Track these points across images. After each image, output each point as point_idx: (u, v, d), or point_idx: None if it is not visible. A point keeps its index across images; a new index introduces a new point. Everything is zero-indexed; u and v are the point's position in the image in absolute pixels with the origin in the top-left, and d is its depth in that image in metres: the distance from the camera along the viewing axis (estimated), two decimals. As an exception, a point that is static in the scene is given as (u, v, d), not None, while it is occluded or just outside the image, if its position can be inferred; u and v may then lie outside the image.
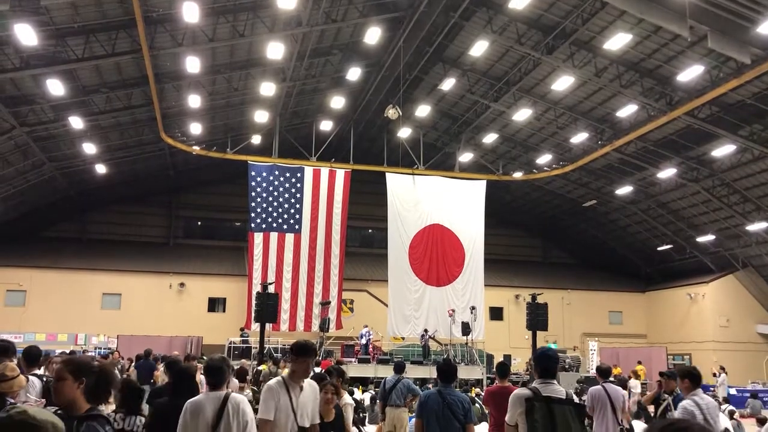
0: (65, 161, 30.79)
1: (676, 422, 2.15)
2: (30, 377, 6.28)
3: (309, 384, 5.66)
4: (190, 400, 5.05)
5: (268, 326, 26.23)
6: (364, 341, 27.94)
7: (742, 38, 19.90)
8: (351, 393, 12.42)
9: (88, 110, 26.18)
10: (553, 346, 34.01)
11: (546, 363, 5.41)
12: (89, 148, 28.89)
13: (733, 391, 25.27)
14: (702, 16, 19.49)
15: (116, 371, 11.96)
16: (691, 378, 7.15)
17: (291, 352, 5.63)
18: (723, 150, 28.07)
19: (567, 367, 28.97)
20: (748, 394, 24.58)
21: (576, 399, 5.43)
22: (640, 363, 30.16)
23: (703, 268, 37.23)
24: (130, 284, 33.69)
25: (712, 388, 25.42)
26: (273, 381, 5.46)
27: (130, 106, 27.11)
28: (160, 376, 13.94)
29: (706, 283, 36.36)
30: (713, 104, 25.15)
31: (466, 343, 28.56)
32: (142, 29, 20.70)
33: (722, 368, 27.26)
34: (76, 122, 26.00)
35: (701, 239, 35.69)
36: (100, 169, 31.86)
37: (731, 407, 16.68)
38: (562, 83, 26.32)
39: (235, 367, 18.57)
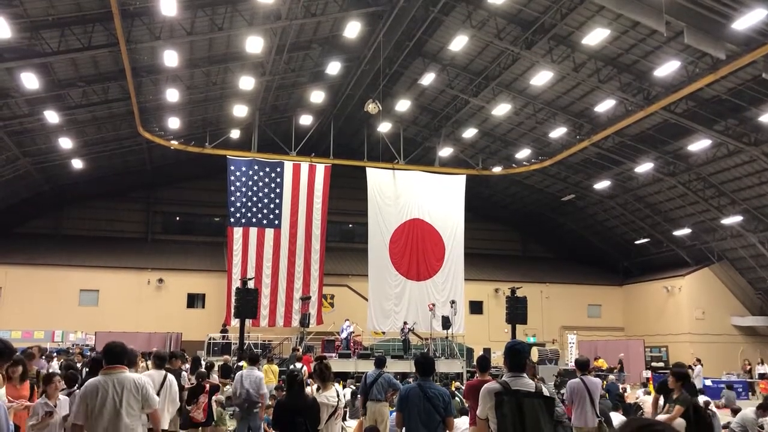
0: (40, 156, 30.34)
1: (654, 423, 2.16)
2: None
3: None
4: (146, 372, 8.57)
5: (248, 322, 26.13)
6: (344, 336, 27.92)
7: (718, 34, 20.16)
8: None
9: (63, 104, 25.82)
10: (531, 339, 34.29)
11: (515, 357, 5.44)
12: (65, 143, 28.50)
13: (708, 383, 25.56)
14: (678, 12, 19.73)
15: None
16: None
17: None
18: (699, 144, 28.39)
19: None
20: (723, 386, 24.90)
21: (546, 392, 5.45)
22: (599, 357, 30.56)
23: (679, 262, 37.68)
24: (107, 280, 33.32)
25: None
26: None
27: (107, 100, 26.77)
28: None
29: (682, 276, 36.80)
30: (689, 99, 25.43)
31: (447, 337, 28.67)
32: (118, 22, 20.44)
33: (698, 360, 27.62)
34: (52, 116, 25.64)
35: (678, 233, 36.11)
36: (77, 164, 31.45)
37: (706, 398, 16.89)
38: (541, 78, 26.45)
39: (218, 364, 18.60)
